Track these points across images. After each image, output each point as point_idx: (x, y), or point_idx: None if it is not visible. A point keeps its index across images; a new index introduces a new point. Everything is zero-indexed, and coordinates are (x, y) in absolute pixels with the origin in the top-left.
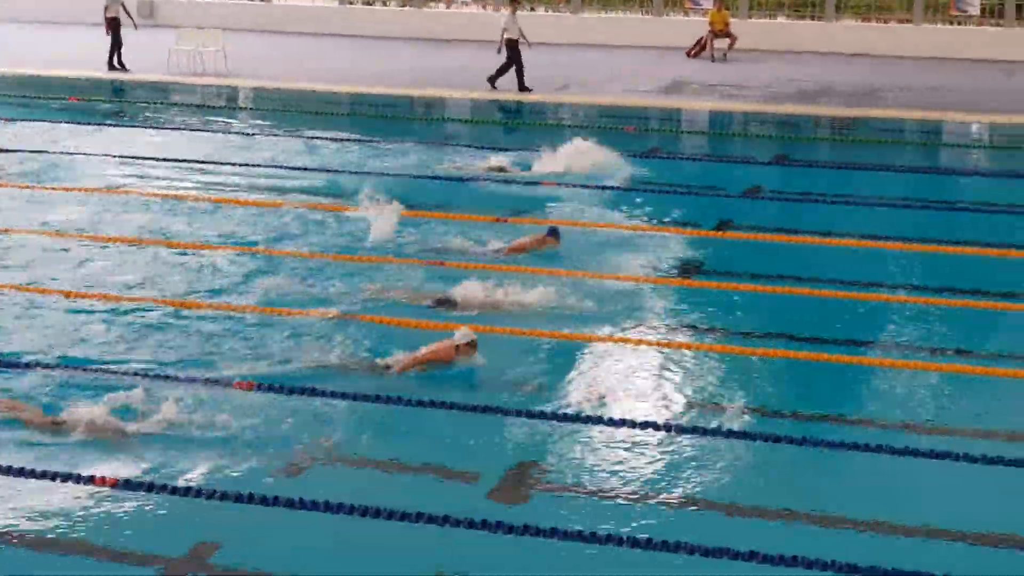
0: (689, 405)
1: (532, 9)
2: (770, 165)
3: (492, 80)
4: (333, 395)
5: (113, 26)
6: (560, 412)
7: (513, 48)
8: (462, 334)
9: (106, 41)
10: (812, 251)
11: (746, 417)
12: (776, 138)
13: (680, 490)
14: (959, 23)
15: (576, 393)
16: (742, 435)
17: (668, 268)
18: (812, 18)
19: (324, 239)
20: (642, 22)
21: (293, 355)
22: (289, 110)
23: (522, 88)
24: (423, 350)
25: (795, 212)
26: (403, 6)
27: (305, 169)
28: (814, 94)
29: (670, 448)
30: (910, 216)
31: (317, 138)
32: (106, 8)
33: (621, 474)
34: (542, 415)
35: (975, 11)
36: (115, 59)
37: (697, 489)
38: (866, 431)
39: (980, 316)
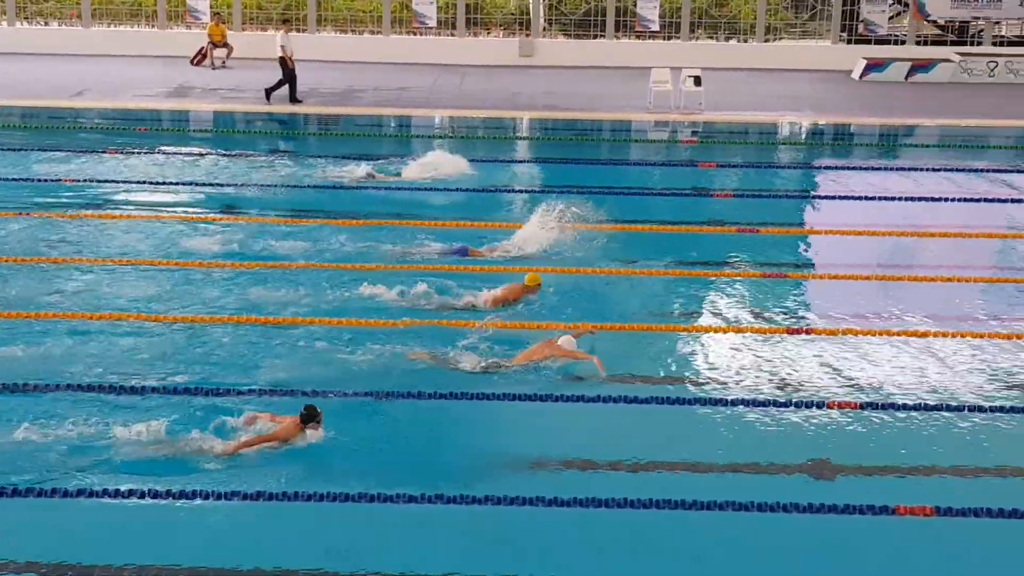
0: None
1: (46, 23)
2: (269, 156)
3: (268, 93)
4: None
5: None
6: None
7: (285, 64)
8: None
9: None
10: (307, 230)
11: None
12: (273, 133)
13: None
14: (420, 34)
15: None
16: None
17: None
18: (298, 30)
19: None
20: (150, 35)
21: None
22: None
23: (293, 100)
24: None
25: (295, 196)
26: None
27: None
28: (302, 95)
29: None
30: (372, 195)
31: None
32: None
33: None
34: None
35: (432, 22)
36: None
37: None
38: None
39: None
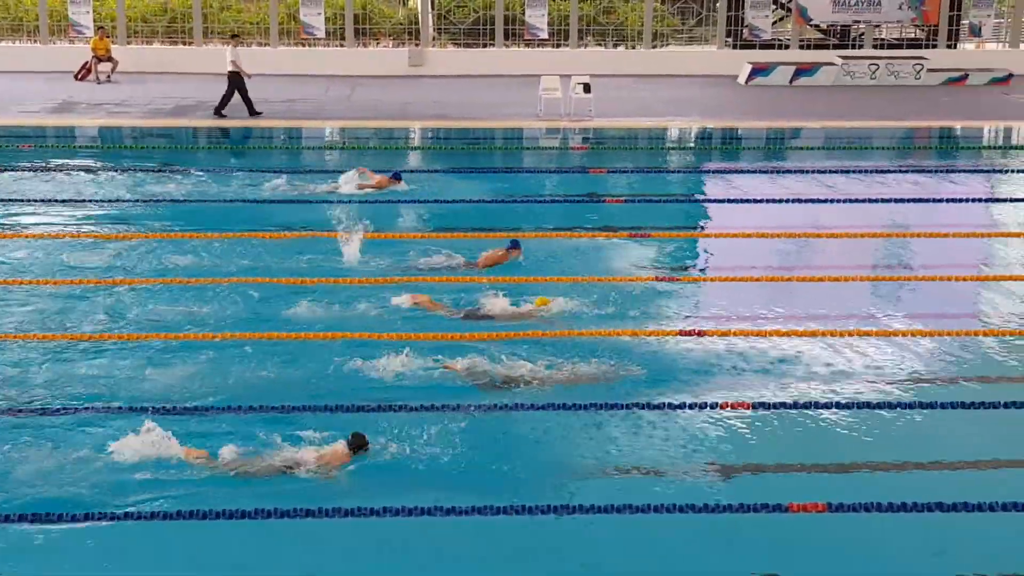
0: None
1: None
2: (155, 172)
3: (218, 110)
4: None
5: None
6: None
7: (236, 78)
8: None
9: None
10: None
11: None
12: (160, 148)
13: None
14: (309, 45)
15: None
16: None
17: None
18: (184, 43)
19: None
20: (32, 50)
21: None
22: None
23: (252, 112)
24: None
25: (191, 211)
26: None
27: None
28: (189, 109)
29: None
30: (275, 209)
31: None
32: None
33: None
34: None
35: (321, 33)
36: None
37: None
38: None
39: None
